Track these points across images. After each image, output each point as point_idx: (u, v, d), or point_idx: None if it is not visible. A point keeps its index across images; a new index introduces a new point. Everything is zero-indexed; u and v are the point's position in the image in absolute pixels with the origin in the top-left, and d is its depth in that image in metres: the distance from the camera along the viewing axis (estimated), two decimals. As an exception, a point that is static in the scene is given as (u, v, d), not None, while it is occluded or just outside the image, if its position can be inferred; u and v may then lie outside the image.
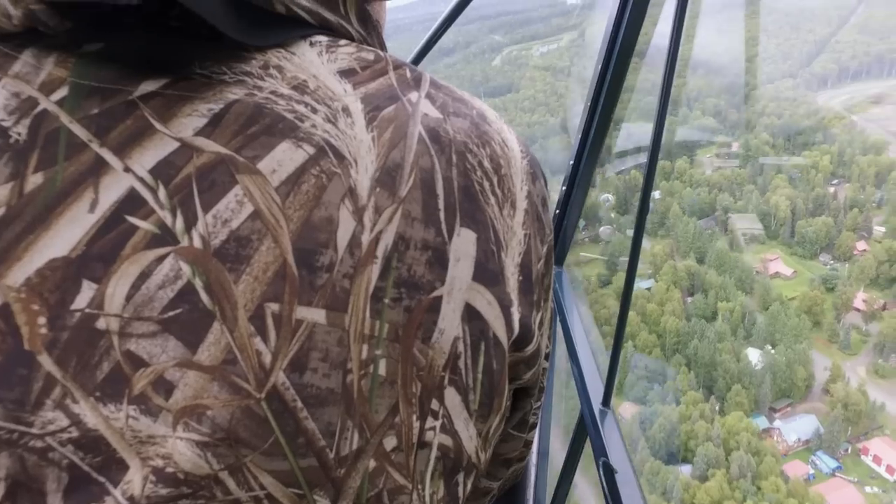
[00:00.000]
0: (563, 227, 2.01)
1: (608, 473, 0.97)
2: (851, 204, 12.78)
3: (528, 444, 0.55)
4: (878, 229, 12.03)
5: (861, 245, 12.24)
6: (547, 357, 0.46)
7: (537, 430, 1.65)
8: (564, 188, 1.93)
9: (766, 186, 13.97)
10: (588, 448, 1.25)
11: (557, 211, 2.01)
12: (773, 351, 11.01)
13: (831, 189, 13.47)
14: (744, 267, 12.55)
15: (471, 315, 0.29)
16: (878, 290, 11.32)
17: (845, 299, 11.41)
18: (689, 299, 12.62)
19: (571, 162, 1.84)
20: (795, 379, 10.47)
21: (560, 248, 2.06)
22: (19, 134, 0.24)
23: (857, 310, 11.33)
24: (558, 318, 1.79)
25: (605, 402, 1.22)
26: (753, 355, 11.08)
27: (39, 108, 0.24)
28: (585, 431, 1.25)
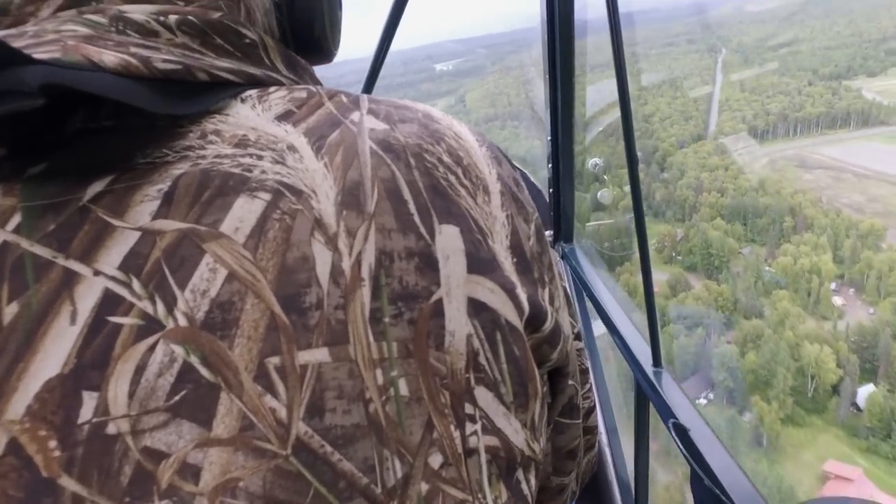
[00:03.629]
0: (560, 204, 1.99)
1: (682, 434, 0.93)
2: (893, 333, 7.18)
3: (591, 430, 0.52)
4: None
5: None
6: (578, 337, 0.45)
7: (598, 409, 1.62)
8: (551, 166, 1.91)
9: (756, 307, 8.79)
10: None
11: (551, 190, 1.99)
12: None
13: (838, 301, 8.73)
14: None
15: (476, 308, 0.29)
16: None
17: None
18: None
19: (549, 139, 1.83)
20: None
21: (565, 224, 2.04)
22: None
23: None
24: (585, 294, 1.76)
25: (656, 362, 1.19)
26: None
27: None
28: (646, 397, 1.21)
